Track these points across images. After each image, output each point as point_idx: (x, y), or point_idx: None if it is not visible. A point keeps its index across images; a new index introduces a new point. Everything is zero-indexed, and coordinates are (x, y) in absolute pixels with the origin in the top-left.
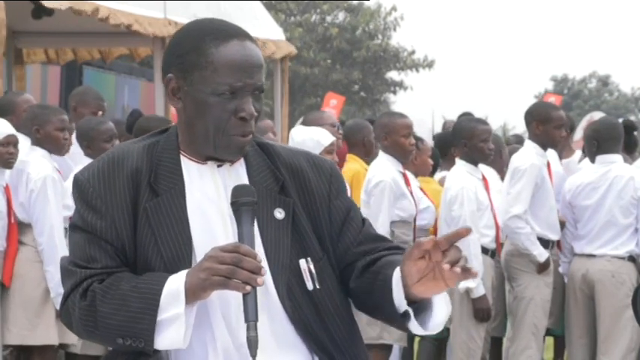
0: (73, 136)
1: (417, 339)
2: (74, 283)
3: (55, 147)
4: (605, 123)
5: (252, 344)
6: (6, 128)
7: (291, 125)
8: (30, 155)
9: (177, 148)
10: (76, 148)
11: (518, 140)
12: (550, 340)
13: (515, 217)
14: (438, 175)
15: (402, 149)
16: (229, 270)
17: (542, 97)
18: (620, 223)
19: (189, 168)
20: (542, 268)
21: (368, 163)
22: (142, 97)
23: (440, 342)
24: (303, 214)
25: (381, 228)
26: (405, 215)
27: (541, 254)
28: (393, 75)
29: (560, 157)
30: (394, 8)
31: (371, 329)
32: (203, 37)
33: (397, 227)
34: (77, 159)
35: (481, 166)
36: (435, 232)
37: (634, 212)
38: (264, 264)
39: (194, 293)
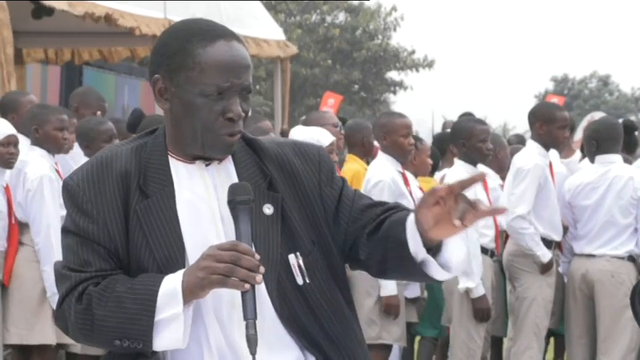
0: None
1: (417, 339)
2: (69, 287)
3: (55, 146)
4: (604, 123)
5: (252, 342)
6: (6, 128)
7: (291, 126)
8: (29, 155)
9: (165, 149)
10: (76, 148)
11: (519, 140)
12: (550, 340)
13: (519, 218)
14: (438, 175)
15: (401, 149)
16: (228, 268)
17: (543, 97)
18: (620, 223)
19: (178, 168)
20: (545, 268)
21: (368, 163)
22: (142, 97)
23: (439, 342)
24: (295, 206)
25: None
26: None
27: (544, 255)
28: (393, 75)
29: (561, 157)
30: (394, 8)
31: (370, 329)
32: (190, 38)
33: None
34: (77, 159)
35: (479, 165)
36: None
37: (633, 212)
38: None
39: (192, 292)
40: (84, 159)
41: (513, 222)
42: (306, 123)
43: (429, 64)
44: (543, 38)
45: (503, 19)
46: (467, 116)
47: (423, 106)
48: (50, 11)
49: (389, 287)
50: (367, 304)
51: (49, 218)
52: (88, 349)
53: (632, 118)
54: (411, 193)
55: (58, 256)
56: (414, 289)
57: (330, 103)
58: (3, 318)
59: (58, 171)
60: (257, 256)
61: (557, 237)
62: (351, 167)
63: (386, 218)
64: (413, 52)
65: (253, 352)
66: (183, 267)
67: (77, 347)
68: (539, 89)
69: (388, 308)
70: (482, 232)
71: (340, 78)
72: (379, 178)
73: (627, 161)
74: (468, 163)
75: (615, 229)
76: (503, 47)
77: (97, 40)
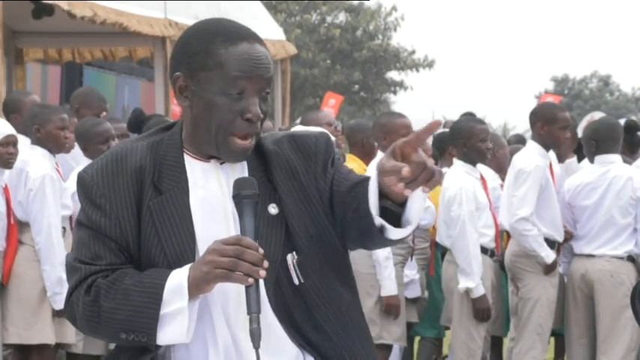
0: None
1: (416, 339)
2: (78, 279)
3: (56, 146)
4: (604, 123)
5: (256, 336)
6: (6, 128)
7: (290, 126)
8: (30, 154)
9: (181, 146)
10: (77, 148)
11: (519, 140)
12: (550, 340)
13: (523, 220)
14: None
15: None
16: (232, 262)
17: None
18: (619, 223)
19: (193, 166)
20: (549, 269)
21: (367, 163)
22: (142, 97)
23: (440, 342)
24: (294, 201)
25: None
26: None
27: (548, 255)
28: (393, 75)
29: (564, 158)
30: (394, 8)
31: (370, 329)
32: (213, 39)
33: None
34: (78, 159)
35: (478, 165)
36: (434, 232)
37: (632, 212)
38: None
39: (198, 286)
40: (84, 159)
41: (517, 224)
42: (302, 123)
43: (429, 64)
44: (543, 38)
45: (503, 19)
46: (467, 116)
47: (423, 106)
48: (50, 11)
49: (389, 287)
50: (367, 304)
51: (50, 218)
52: (90, 349)
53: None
54: None
55: (59, 255)
56: (414, 289)
57: (331, 104)
58: (2, 317)
59: (58, 171)
60: (261, 251)
61: (559, 237)
62: (350, 167)
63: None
64: (413, 52)
65: (257, 346)
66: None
67: (78, 347)
68: (539, 89)
69: (388, 308)
70: (482, 231)
71: (340, 78)
72: None
73: (627, 161)
74: (468, 163)
75: (615, 229)
76: (503, 47)
77: (97, 40)
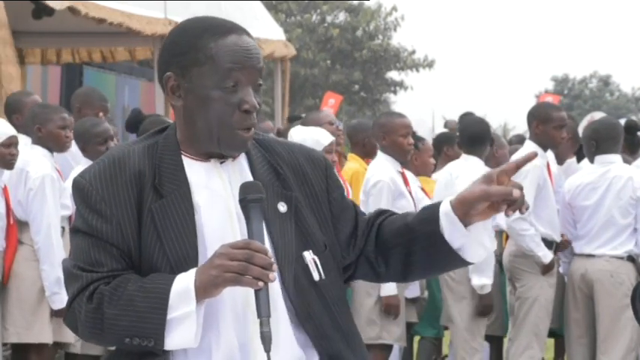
0: None
1: (416, 339)
2: (80, 286)
3: (57, 145)
4: (603, 123)
5: (267, 340)
6: (8, 129)
7: (291, 126)
8: (30, 154)
9: (178, 148)
10: (76, 148)
11: (520, 140)
12: (550, 340)
13: (520, 219)
14: (435, 175)
15: (401, 149)
16: (241, 266)
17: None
18: (619, 223)
19: (193, 167)
20: (546, 269)
21: (368, 163)
22: (142, 97)
23: (439, 341)
24: (305, 207)
25: None
26: None
27: (546, 255)
28: (393, 75)
29: (564, 159)
30: (394, 8)
31: (370, 329)
32: (201, 34)
33: None
34: (78, 159)
35: (477, 164)
36: None
37: (632, 212)
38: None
39: (205, 291)
40: (84, 159)
41: (514, 223)
42: (303, 124)
43: (430, 64)
44: (543, 38)
45: (503, 19)
46: (466, 116)
47: (423, 106)
48: (50, 11)
49: (389, 287)
50: (367, 304)
51: (49, 218)
52: (88, 349)
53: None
54: (410, 193)
55: (58, 255)
56: (414, 289)
57: (330, 103)
58: (2, 317)
59: (58, 171)
60: (270, 254)
61: (556, 237)
62: (351, 167)
63: (379, 226)
64: (413, 52)
65: (268, 350)
66: (197, 267)
67: (76, 347)
68: (540, 89)
69: (388, 308)
70: None
71: (340, 78)
72: (378, 178)
73: (627, 161)
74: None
75: (615, 229)
76: (503, 47)
77: (97, 40)
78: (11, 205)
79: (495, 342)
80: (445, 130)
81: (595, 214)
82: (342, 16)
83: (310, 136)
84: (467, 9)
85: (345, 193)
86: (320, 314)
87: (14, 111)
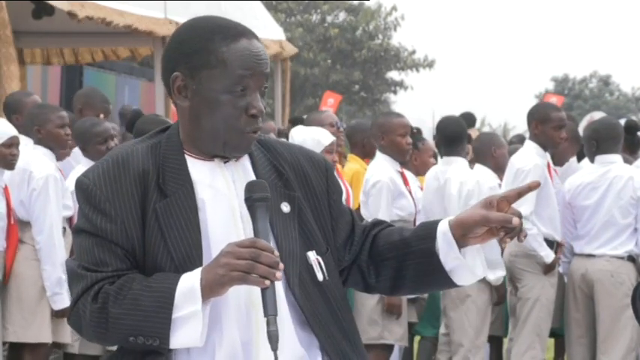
0: None
1: (416, 339)
2: (84, 286)
3: (58, 144)
4: (604, 123)
5: (274, 338)
6: (9, 130)
7: (291, 126)
8: (32, 154)
9: (181, 148)
10: (76, 148)
11: (520, 140)
12: (550, 340)
13: (523, 218)
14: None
15: (399, 149)
16: (248, 265)
17: (542, 97)
18: (620, 223)
19: (197, 166)
20: (548, 269)
21: (368, 163)
22: (142, 97)
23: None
24: (307, 208)
25: None
26: (405, 214)
27: (548, 255)
28: (393, 75)
29: (564, 161)
30: (394, 8)
31: (372, 329)
32: (211, 37)
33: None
34: (78, 158)
35: (461, 163)
36: None
37: (633, 212)
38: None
39: (211, 290)
40: (85, 159)
41: None
42: (305, 124)
43: (430, 64)
44: (543, 38)
45: (503, 19)
46: (466, 116)
47: (424, 106)
48: (50, 11)
49: None
50: (369, 304)
51: (52, 218)
52: (86, 349)
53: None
54: (410, 193)
55: (60, 255)
56: None
57: (329, 103)
58: (2, 316)
59: (60, 171)
60: (276, 253)
61: (558, 237)
62: (351, 167)
63: (375, 236)
64: (413, 52)
65: (275, 348)
66: (201, 266)
67: (74, 347)
68: (540, 89)
69: (390, 308)
70: None
71: (340, 78)
72: (377, 178)
73: (628, 161)
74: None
75: (615, 229)
76: (503, 47)
77: (98, 40)
78: (12, 205)
79: (495, 342)
80: None
81: (595, 214)
82: (342, 16)
83: (311, 136)
84: (467, 9)
85: (344, 197)
86: (325, 314)
87: (14, 111)
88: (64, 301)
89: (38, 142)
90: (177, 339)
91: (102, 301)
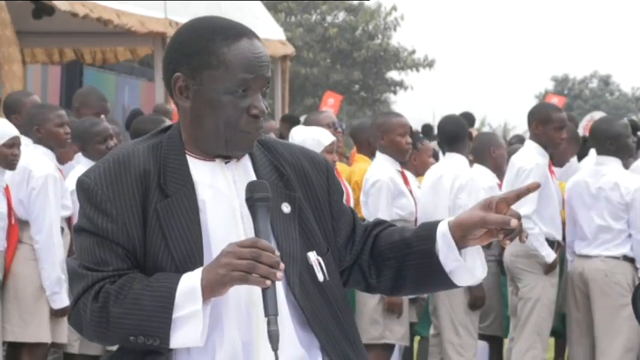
0: None
1: (416, 339)
2: (85, 285)
3: (57, 143)
4: (609, 122)
5: (274, 338)
6: (11, 130)
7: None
8: (32, 153)
9: (183, 148)
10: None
11: (520, 140)
12: (550, 340)
13: (525, 218)
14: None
15: (399, 148)
16: (249, 265)
17: (543, 97)
18: (613, 227)
19: (198, 166)
20: (549, 268)
21: None
22: (142, 97)
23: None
24: (308, 208)
25: None
26: (405, 214)
27: (549, 255)
28: (393, 75)
29: (566, 160)
30: (394, 8)
31: (373, 329)
32: (213, 37)
33: None
34: (78, 158)
35: (460, 160)
36: None
37: (624, 217)
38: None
39: (212, 290)
40: (84, 158)
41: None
42: (305, 124)
43: (429, 64)
44: (543, 38)
45: (503, 19)
46: (466, 115)
47: (424, 106)
48: (50, 11)
49: None
50: (370, 304)
51: (51, 217)
52: (86, 349)
53: (633, 117)
54: (411, 192)
55: (59, 255)
56: None
57: (329, 103)
58: (2, 316)
59: (60, 171)
60: (277, 253)
61: (558, 236)
62: (361, 167)
63: (376, 236)
64: (413, 51)
65: (275, 348)
66: (202, 266)
67: (74, 347)
68: (540, 89)
69: (392, 307)
70: None
71: (340, 78)
72: (377, 177)
73: (627, 162)
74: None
75: (609, 231)
76: (503, 47)
77: (98, 40)
78: (13, 205)
79: (495, 342)
80: None
81: (590, 216)
82: (341, 16)
83: (311, 136)
84: (467, 9)
85: (345, 197)
86: (325, 315)
87: (13, 111)
88: (63, 300)
89: (38, 141)
90: (178, 339)
91: (103, 300)
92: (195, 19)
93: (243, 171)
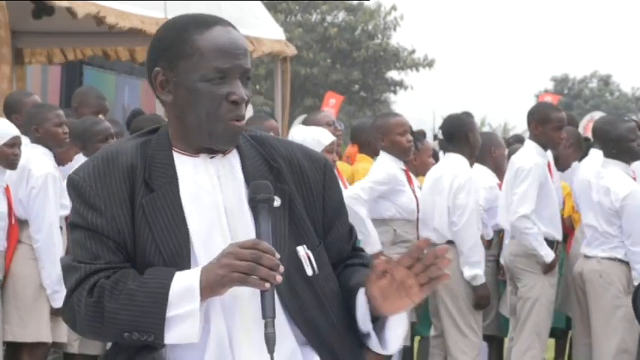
0: None
1: (416, 338)
2: (78, 278)
3: (56, 142)
4: (612, 123)
5: (271, 341)
6: (12, 130)
7: (291, 125)
8: (31, 153)
9: (170, 145)
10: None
11: (519, 140)
12: (550, 340)
13: (524, 218)
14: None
15: (400, 147)
16: (249, 267)
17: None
18: (607, 230)
19: (183, 162)
20: (548, 268)
21: None
22: (142, 96)
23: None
24: (300, 201)
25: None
26: (407, 213)
27: (548, 254)
28: (393, 74)
29: (569, 164)
30: (394, 8)
31: None
32: (186, 27)
33: (399, 226)
34: (78, 158)
35: (458, 160)
36: None
37: (616, 222)
38: None
39: (211, 289)
40: (84, 158)
41: (517, 222)
42: (304, 124)
43: (429, 64)
44: (543, 38)
45: (503, 19)
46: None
47: (424, 105)
48: (50, 11)
49: None
50: None
51: (51, 216)
52: (86, 348)
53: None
54: (414, 192)
55: (59, 254)
56: None
57: (331, 103)
58: (2, 316)
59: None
60: (277, 255)
61: (558, 236)
62: (364, 167)
63: (342, 269)
64: (413, 51)
65: (271, 351)
66: (190, 261)
67: (74, 347)
68: (540, 89)
69: None
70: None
71: (340, 78)
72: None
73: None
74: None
75: (604, 235)
76: (503, 47)
77: (98, 40)
78: (13, 205)
79: (495, 342)
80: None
81: (590, 216)
82: (341, 16)
83: (311, 136)
84: (467, 9)
85: (344, 205)
86: (312, 309)
87: (14, 111)
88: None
89: (36, 140)
90: (173, 335)
91: (97, 295)
92: (173, 17)
93: (229, 166)
